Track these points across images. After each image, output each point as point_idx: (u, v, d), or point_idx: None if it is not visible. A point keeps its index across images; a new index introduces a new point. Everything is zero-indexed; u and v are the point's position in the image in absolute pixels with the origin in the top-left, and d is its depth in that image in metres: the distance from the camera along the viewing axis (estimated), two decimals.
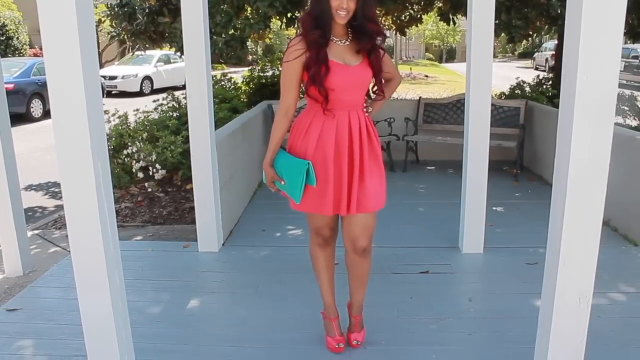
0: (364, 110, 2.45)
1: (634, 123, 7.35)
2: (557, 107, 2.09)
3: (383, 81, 2.53)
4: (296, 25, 5.77)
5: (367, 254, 2.55)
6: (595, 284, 2.11)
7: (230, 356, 2.66)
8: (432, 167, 6.60)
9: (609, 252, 3.70)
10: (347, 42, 2.37)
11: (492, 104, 4.17)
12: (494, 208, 4.71)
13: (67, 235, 2.20)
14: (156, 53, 18.83)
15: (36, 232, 4.72)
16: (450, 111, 6.71)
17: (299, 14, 6.53)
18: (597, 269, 2.07)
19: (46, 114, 12.19)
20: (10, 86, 11.72)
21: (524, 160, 6.33)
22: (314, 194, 2.38)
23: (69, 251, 2.23)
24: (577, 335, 2.15)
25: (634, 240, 3.98)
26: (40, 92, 12.40)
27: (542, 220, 2.26)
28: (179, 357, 2.64)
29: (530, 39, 8.87)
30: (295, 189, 2.37)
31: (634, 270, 3.58)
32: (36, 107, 12.57)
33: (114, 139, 5.79)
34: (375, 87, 2.50)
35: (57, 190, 6.32)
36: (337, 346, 2.65)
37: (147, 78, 18.64)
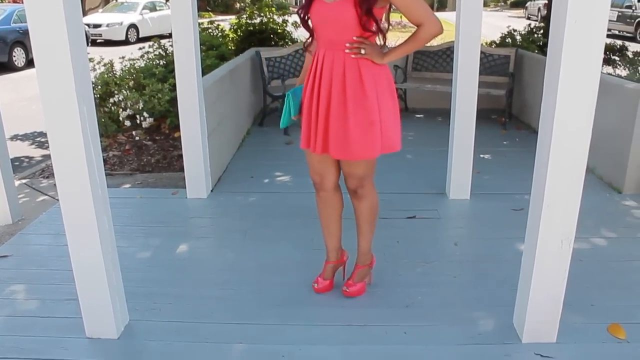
0: (349, 51, 2.29)
1: (624, 73, 7.33)
2: None
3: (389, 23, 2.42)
4: None
5: (359, 198, 2.57)
6: (578, 229, 2.15)
7: (219, 298, 2.71)
8: (421, 115, 6.59)
9: (593, 199, 3.76)
10: None
11: (481, 52, 4.14)
12: (482, 155, 4.75)
13: (55, 184, 2.19)
14: (141, 0, 18.41)
15: (24, 181, 4.69)
16: (440, 59, 6.65)
17: None
18: (580, 215, 2.11)
19: (29, 63, 11.89)
20: None
21: (512, 109, 6.33)
22: (302, 126, 2.48)
23: (58, 199, 2.23)
24: (558, 277, 2.21)
25: (618, 188, 4.04)
26: (22, 40, 12.06)
27: (528, 168, 2.27)
28: (169, 300, 2.68)
29: None
30: (283, 115, 2.54)
31: (617, 217, 3.65)
32: (19, 56, 12.26)
33: (99, 87, 5.70)
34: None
35: (43, 140, 6.27)
36: (314, 285, 2.74)
37: (133, 26, 18.23)
